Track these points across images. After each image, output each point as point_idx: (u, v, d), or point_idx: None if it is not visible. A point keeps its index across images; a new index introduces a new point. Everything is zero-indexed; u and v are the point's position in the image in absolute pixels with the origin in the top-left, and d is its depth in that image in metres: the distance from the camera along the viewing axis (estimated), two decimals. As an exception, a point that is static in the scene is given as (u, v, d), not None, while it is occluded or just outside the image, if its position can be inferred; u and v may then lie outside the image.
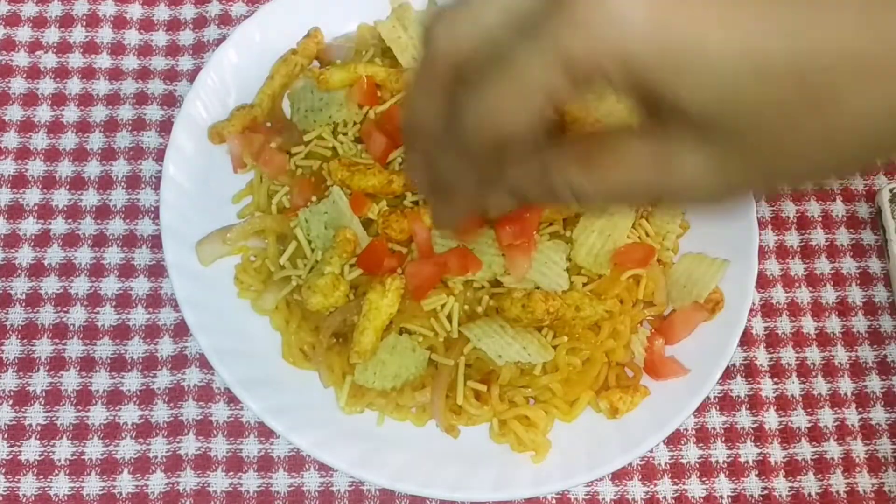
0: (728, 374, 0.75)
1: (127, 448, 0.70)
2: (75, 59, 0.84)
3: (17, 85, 0.82)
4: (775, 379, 0.75)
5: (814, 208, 0.82)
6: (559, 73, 0.37)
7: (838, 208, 0.82)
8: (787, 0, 0.36)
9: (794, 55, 0.36)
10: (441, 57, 0.41)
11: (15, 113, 0.81)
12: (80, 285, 0.75)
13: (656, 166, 0.40)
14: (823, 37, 0.36)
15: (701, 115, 0.37)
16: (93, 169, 0.80)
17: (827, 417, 0.74)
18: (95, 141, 0.81)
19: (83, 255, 0.76)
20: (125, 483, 0.69)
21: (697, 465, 0.72)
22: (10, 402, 0.71)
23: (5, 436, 0.70)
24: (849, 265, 0.80)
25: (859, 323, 0.78)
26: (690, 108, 0.37)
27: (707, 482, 0.72)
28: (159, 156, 0.79)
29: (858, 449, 0.73)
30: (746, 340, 0.76)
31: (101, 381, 0.72)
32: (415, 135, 0.45)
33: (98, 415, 0.71)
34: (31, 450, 0.70)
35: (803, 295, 0.79)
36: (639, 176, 0.41)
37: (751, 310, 0.74)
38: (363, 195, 0.71)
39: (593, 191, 0.42)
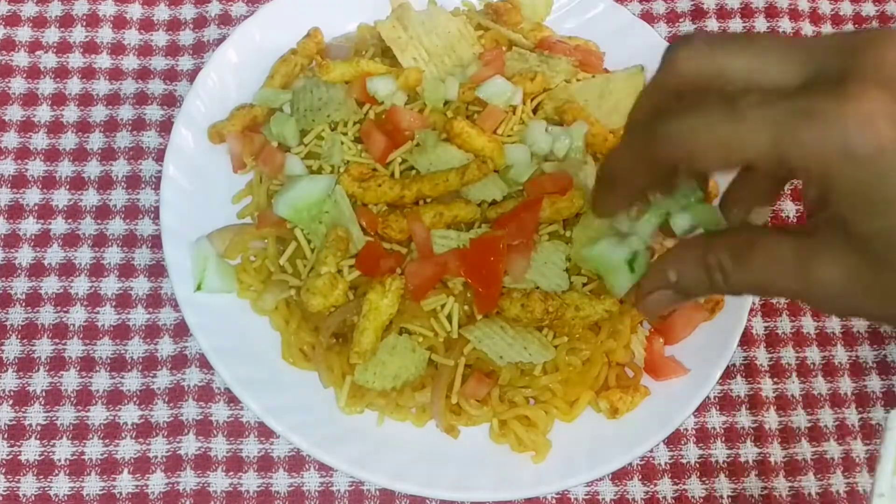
0: (728, 374, 0.75)
1: (127, 448, 0.70)
2: (75, 59, 0.84)
3: (17, 85, 0.82)
4: (775, 379, 0.75)
5: (814, 208, 0.82)
6: (777, 158, 0.40)
7: (838, 208, 0.82)
8: None
9: None
10: (675, 74, 0.45)
11: (15, 113, 0.81)
12: (80, 285, 0.75)
13: (797, 266, 0.44)
14: None
15: (866, 237, 0.42)
16: (93, 169, 0.80)
17: (827, 417, 0.74)
18: (95, 141, 0.81)
19: (83, 255, 0.76)
20: (125, 483, 0.69)
21: (697, 465, 0.72)
22: (10, 402, 0.71)
23: (5, 436, 0.70)
24: (849, 265, 0.80)
25: (859, 323, 0.78)
26: (863, 230, 0.41)
27: (707, 482, 0.72)
28: (159, 156, 0.79)
29: (858, 449, 0.73)
30: (746, 340, 0.76)
31: (101, 381, 0.72)
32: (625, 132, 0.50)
33: (98, 415, 0.71)
34: (31, 450, 0.70)
35: (803, 295, 0.79)
36: (779, 272, 0.45)
37: (751, 310, 0.74)
38: (370, 211, 0.71)
39: (738, 279, 0.47)
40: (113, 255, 0.77)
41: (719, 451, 0.73)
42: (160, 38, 0.86)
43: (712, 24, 0.89)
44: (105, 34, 0.85)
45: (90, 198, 0.79)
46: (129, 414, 0.71)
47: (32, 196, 0.78)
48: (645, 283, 0.54)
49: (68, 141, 0.81)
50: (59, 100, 0.82)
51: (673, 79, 0.45)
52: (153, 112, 0.82)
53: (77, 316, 0.74)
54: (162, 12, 0.87)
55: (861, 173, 0.39)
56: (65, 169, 0.79)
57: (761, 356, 0.76)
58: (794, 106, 0.40)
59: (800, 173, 0.44)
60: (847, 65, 0.40)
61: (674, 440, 0.73)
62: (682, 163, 0.46)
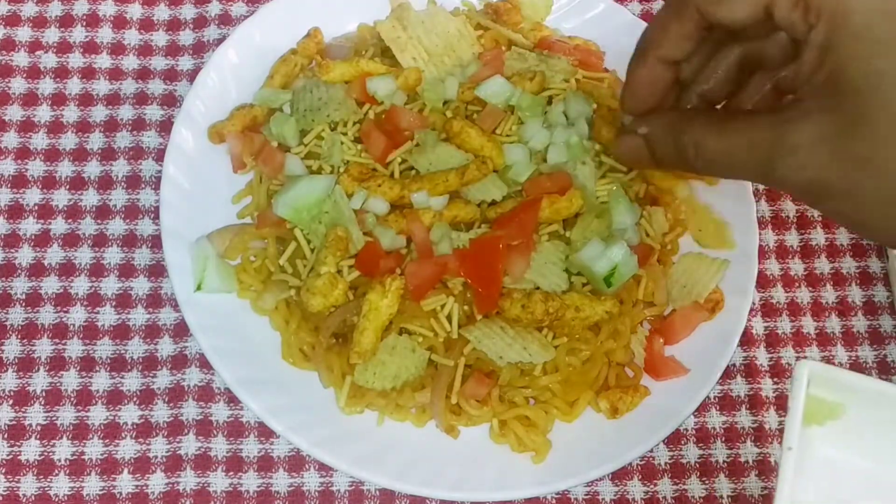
0: (728, 374, 0.75)
1: (127, 448, 0.70)
2: (75, 59, 0.84)
3: (17, 85, 0.82)
4: (775, 379, 0.75)
5: (814, 208, 0.82)
6: None
7: (838, 208, 0.82)
8: None
9: None
10: None
11: (15, 113, 0.81)
12: (80, 285, 0.75)
13: (773, 129, 0.48)
14: None
15: (858, 83, 0.45)
16: (93, 169, 0.80)
17: (827, 417, 0.74)
18: (95, 141, 0.81)
19: (83, 255, 0.76)
20: (125, 483, 0.69)
21: (697, 465, 0.72)
22: (10, 402, 0.71)
23: (5, 436, 0.70)
24: (848, 265, 0.80)
25: (859, 323, 0.78)
26: (859, 73, 0.45)
27: (707, 482, 0.72)
28: (159, 156, 0.79)
29: (858, 449, 0.73)
30: (746, 340, 0.76)
31: (101, 381, 0.72)
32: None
33: (98, 415, 0.71)
34: (31, 450, 0.70)
35: (803, 295, 0.79)
36: (752, 140, 0.48)
37: (751, 310, 0.74)
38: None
39: (713, 150, 0.50)
40: (113, 255, 0.77)
41: (719, 451, 0.73)
42: (160, 38, 0.86)
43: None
44: (105, 34, 0.85)
45: (90, 198, 0.79)
46: (129, 414, 0.71)
47: (32, 196, 0.78)
48: (620, 131, 0.59)
49: (68, 141, 0.81)
50: (59, 100, 0.82)
51: None
52: (153, 112, 0.82)
53: (77, 316, 0.74)
54: (162, 12, 0.87)
55: (875, 9, 0.43)
56: (65, 169, 0.79)
57: (761, 356, 0.76)
58: None
59: (805, 21, 0.47)
60: None
61: (674, 440, 0.73)
62: (709, 9, 0.51)
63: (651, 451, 0.70)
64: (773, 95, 0.58)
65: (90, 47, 0.84)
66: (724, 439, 0.73)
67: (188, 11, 0.87)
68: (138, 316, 0.75)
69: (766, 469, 0.72)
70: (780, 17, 0.50)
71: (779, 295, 0.79)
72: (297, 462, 0.70)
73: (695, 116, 0.53)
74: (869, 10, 0.44)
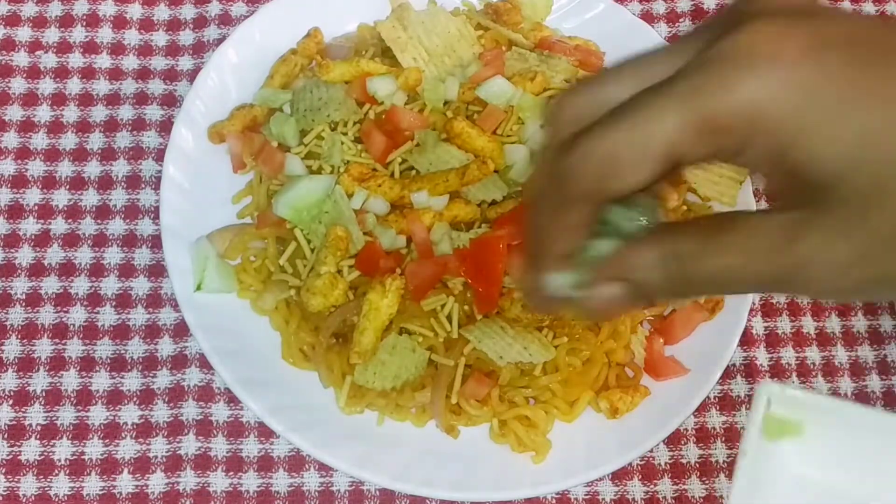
0: (728, 374, 0.75)
1: (127, 448, 0.70)
2: (75, 59, 0.84)
3: (17, 85, 0.82)
4: (775, 379, 0.75)
5: (814, 208, 0.82)
6: (691, 128, 0.36)
7: (838, 208, 0.82)
8: None
9: None
10: (564, 124, 0.40)
11: (15, 113, 0.81)
12: (80, 285, 0.75)
13: (783, 238, 0.38)
14: None
15: (830, 175, 0.36)
16: (93, 169, 0.80)
17: (827, 417, 0.74)
18: (95, 141, 0.81)
19: (83, 255, 0.76)
20: (125, 483, 0.69)
21: (697, 465, 0.72)
22: (10, 402, 0.71)
23: (5, 436, 0.70)
24: (849, 265, 0.80)
25: (859, 323, 0.78)
26: (822, 168, 0.36)
27: (707, 482, 0.71)
28: (159, 156, 0.79)
29: (858, 449, 0.73)
30: (746, 340, 0.76)
31: (101, 381, 0.72)
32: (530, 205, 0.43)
33: (98, 415, 0.71)
34: (31, 450, 0.70)
35: (803, 295, 0.79)
36: (763, 246, 0.38)
37: (751, 310, 0.74)
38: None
39: (706, 265, 0.39)
40: (113, 255, 0.77)
41: (719, 451, 0.73)
42: (160, 38, 0.86)
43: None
44: (105, 34, 0.85)
45: (90, 198, 0.79)
46: (129, 414, 0.71)
47: (32, 196, 0.78)
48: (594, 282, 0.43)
49: (68, 141, 0.81)
50: (59, 100, 0.82)
51: (561, 130, 0.40)
52: (153, 112, 0.82)
53: (77, 316, 0.74)
54: (162, 12, 0.87)
55: (789, 96, 0.35)
56: (65, 169, 0.79)
57: (761, 356, 0.76)
58: (691, 69, 0.36)
59: (726, 136, 0.37)
60: (731, 21, 0.37)
61: (674, 440, 0.72)
62: (600, 187, 0.38)
63: (651, 451, 0.70)
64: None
65: (90, 47, 0.84)
66: (724, 439, 0.73)
67: (188, 11, 0.87)
68: (138, 316, 0.75)
69: (766, 469, 0.72)
70: (695, 156, 0.38)
71: (779, 295, 0.79)
72: (297, 462, 0.70)
73: (685, 232, 0.41)
74: (784, 99, 0.36)
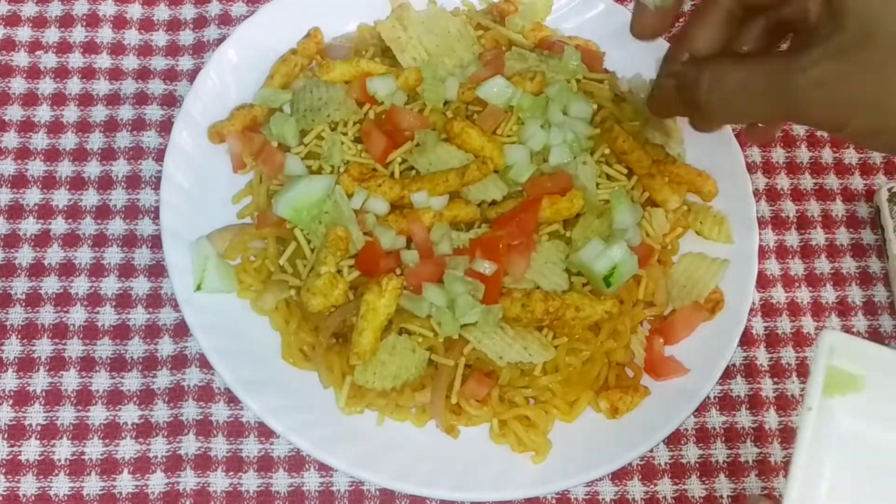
0: (728, 374, 0.75)
1: (127, 448, 0.70)
2: (75, 59, 0.84)
3: (17, 85, 0.82)
4: (775, 379, 0.75)
5: (813, 208, 0.82)
6: None
7: (838, 208, 0.82)
8: None
9: None
10: None
11: (15, 113, 0.81)
12: (80, 285, 0.75)
13: (788, 55, 0.51)
14: None
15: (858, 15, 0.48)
16: (93, 169, 0.80)
17: (827, 417, 0.74)
18: (95, 141, 0.81)
19: (83, 255, 0.76)
20: (125, 483, 0.69)
21: (697, 465, 0.72)
22: (10, 402, 0.71)
23: (5, 436, 0.70)
24: (848, 265, 0.80)
25: (859, 323, 0.78)
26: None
27: (707, 482, 0.72)
28: (159, 156, 0.79)
29: (858, 449, 0.73)
30: (746, 340, 0.76)
31: (101, 381, 0.72)
32: None
33: (98, 415, 0.71)
34: (31, 450, 0.70)
35: (803, 295, 0.79)
36: (773, 62, 0.51)
37: (751, 310, 0.74)
38: None
39: (731, 80, 0.53)
40: (113, 255, 0.77)
41: (719, 451, 0.73)
42: (160, 38, 0.86)
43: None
44: (105, 34, 0.85)
45: (90, 198, 0.79)
46: (129, 414, 0.71)
47: (32, 196, 0.78)
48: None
49: (68, 141, 0.81)
50: (59, 100, 0.82)
51: None
52: (153, 112, 0.82)
53: (77, 316, 0.74)
54: (162, 12, 0.87)
55: None
56: (65, 169, 0.79)
57: (761, 356, 0.76)
58: None
59: None
60: None
61: (674, 440, 0.73)
62: None
63: (651, 451, 0.70)
64: (767, 39, 0.60)
65: (90, 47, 0.84)
66: (724, 439, 0.73)
67: (188, 11, 0.87)
68: (138, 316, 0.75)
69: (767, 469, 0.72)
70: None
71: (779, 295, 0.79)
72: (297, 462, 0.70)
73: (714, 56, 0.56)
74: None
